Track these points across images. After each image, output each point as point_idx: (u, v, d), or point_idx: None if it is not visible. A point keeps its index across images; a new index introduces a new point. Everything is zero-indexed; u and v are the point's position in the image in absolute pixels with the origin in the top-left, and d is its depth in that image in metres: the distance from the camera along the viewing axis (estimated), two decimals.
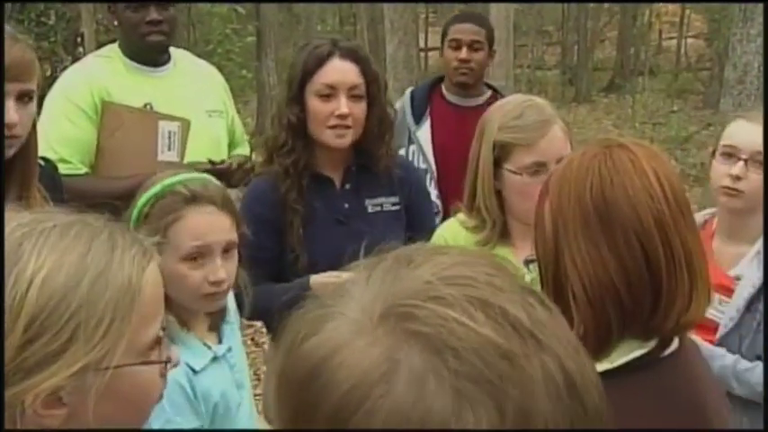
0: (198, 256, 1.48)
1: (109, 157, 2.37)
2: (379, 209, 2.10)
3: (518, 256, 1.85)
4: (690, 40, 17.67)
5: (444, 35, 3.13)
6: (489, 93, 3.13)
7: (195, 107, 2.53)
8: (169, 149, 2.42)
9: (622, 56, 16.21)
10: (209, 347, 1.55)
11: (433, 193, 2.99)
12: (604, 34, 18.25)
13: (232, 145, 2.71)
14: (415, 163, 3.01)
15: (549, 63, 17.93)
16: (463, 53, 3.01)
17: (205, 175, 1.60)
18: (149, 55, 2.47)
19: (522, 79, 14.94)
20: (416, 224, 2.12)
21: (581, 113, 13.39)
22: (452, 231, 1.90)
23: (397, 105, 3.12)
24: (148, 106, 2.45)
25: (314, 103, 1.99)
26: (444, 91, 3.12)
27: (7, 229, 0.87)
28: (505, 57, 7.05)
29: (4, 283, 0.84)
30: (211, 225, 1.49)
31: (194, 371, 1.46)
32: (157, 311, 0.92)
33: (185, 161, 2.42)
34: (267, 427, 1.82)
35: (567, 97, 14.78)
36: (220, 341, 1.60)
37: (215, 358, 1.55)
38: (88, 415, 0.86)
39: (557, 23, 18.32)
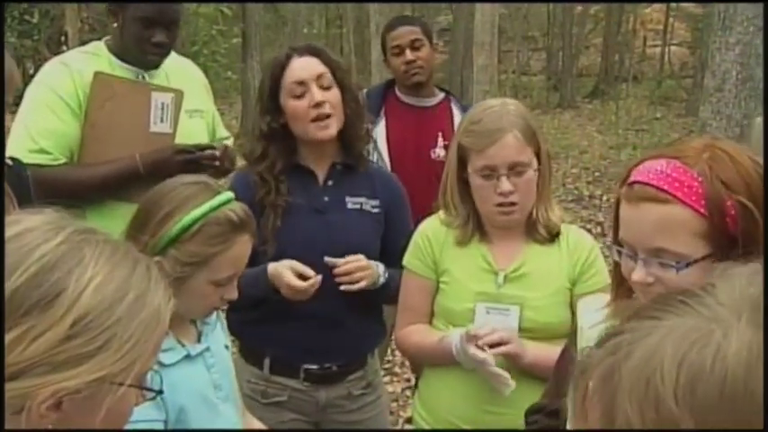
0: (227, 282, 1.53)
1: (100, 129, 2.32)
2: (358, 206, 2.11)
3: (494, 252, 1.89)
4: (673, 48, 17.86)
5: (384, 46, 3.20)
6: (442, 95, 3.21)
7: None
8: (162, 121, 2.38)
9: (607, 62, 16.36)
10: (183, 345, 1.55)
11: None
12: (589, 41, 18.41)
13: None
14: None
15: (534, 69, 18.06)
16: (408, 55, 3.08)
17: (232, 196, 1.57)
18: (142, 66, 2.44)
19: (507, 84, 15.04)
20: (392, 233, 2.14)
21: (565, 119, 13.49)
22: (434, 228, 1.96)
23: None
24: (140, 76, 2.43)
25: (290, 104, 2.04)
26: (398, 93, 3.18)
27: (64, 233, 0.92)
28: (490, 62, 7.08)
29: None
30: (246, 255, 1.54)
31: (162, 364, 1.47)
32: (161, 344, 0.98)
33: (177, 140, 2.39)
34: (255, 425, 1.81)
35: (551, 103, 14.89)
36: (199, 341, 1.61)
37: (188, 356, 1.55)
38: (76, 425, 0.90)
39: (542, 29, 18.45)
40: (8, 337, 0.85)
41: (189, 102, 2.48)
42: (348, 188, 2.11)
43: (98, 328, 0.88)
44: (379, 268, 2.05)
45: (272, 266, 1.98)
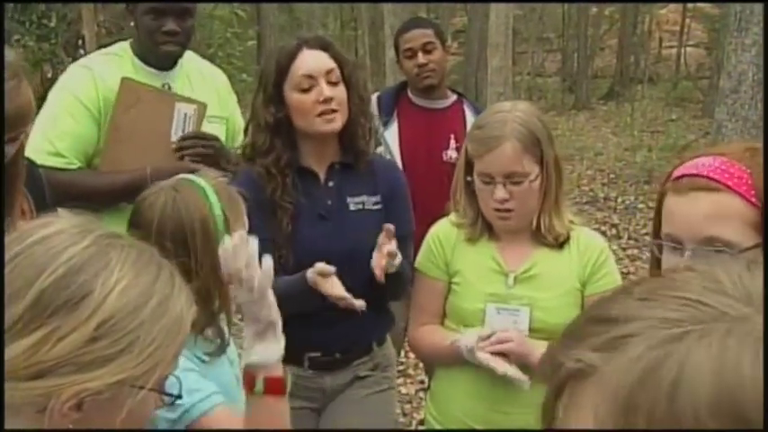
0: None
1: (123, 132, 2.36)
2: (360, 207, 2.10)
3: (504, 254, 1.91)
4: (690, 49, 17.72)
5: (397, 49, 3.21)
6: (455, 97, 3.22)
7: None
8: (183, 131, 2.41)
9: (622, 64, 16.27)
10: (211, 342, 1.57)
11: None
12: (604, 42, 18.32)
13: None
14: None
15: (549, 70, 18.00)
16: (420, 58, 3.09)
17: (197, 179, 1.60)
18: (160, 61, 2.48)
19: (522, 86, 15.00)
20: (390, 222, 2.08)
21: (580, 121, 13.43)
22: (445, 230, 1.98)
23: None
24: (166, 86, 2.46)
25: (295, 97, 2.02)
26: (410, 95, 3.20)
27: (91, 237, 0.94)
28: (504, 63, 7.07)
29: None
30: None
31: (203, 361, 1.50)
32: (182, 349, 0.99)
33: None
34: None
35: (566, 104, 14.83)
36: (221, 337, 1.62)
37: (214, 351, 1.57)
38: (97, 426, 0.92)
39: (557, 31, 18.40)
40: (35, 337, 0.87)
41: (210, 108, 2.50)
42: (349, 188, 2.10)
43: (122, 331, 0.90)
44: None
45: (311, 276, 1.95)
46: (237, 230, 1.50)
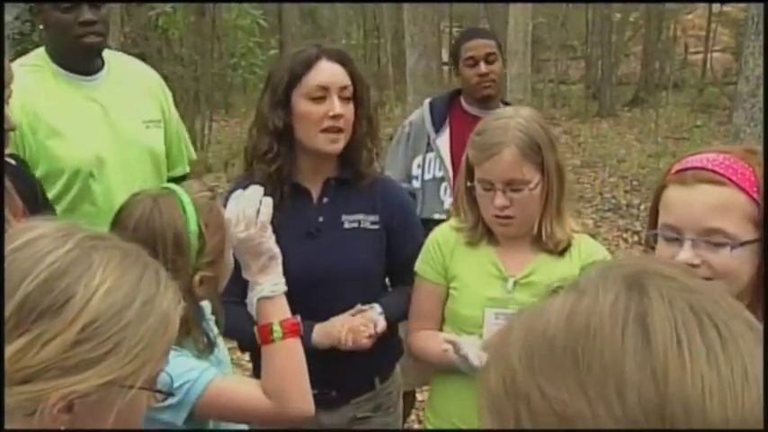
0: None
1: None
2: (356, 225, 2.02)
3: (503, 258, 1.91)
4: (716, 54, 17.50)
5: (457, 56, 3.25)
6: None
7: (131, 118, 2.38)
8: None
9: (647, 70, 16.11)
10: (202, 341, 1.58)
11: (448, 201, 3.04)
12: (629, 48, 18.16)
13: (170, 157, 2.55)
14: (433, 170, 3.10)
15: (572, 77, 17.88)
16: (482, 68, 3.13)
17: (178, 188, 1.60)
18: (83, 60, 2.30)
19: (545, 93, 14.91)
20: (397, 248, 2.06)
21: (603, 128, 13.32)
22: (444, 235, 1.98)
23: (415, 115, 3.26)
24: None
25: (304, 106, 1.94)
26: (464, 103, 3.23)
27: (74, 240, 0.95)
28: (523, 70, 7.05)
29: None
30: None
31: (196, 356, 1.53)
32: (170, 348, 1.00)
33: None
34: None
35: (590, 111, 14.72)
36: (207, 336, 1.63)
37: (201, 352, 1.58)
38: (88, 427, 0.93)
39: (581, 38, 18.27)
40: (20, 342, 0.88)
41: (146, 111, 2.41)
42: (344, 205, 2.03)
43: (107, 332, 0.91)
44: (376, 311, 1.97)
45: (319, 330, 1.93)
46: (212, 247, 1.52)
